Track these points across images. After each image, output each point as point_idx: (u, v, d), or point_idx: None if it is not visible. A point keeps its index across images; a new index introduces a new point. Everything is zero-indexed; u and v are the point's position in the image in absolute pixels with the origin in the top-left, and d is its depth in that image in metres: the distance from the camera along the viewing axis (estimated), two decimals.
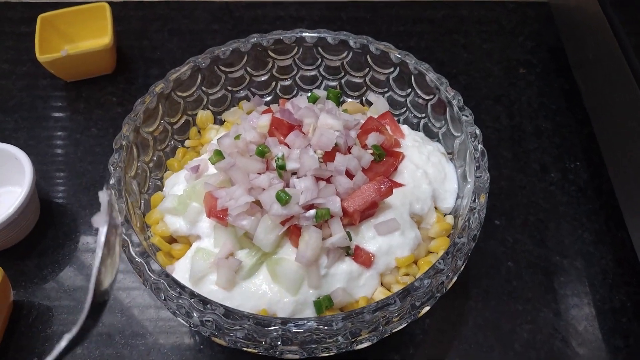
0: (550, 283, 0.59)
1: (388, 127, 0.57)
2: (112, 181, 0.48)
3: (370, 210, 0.48)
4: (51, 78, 0.79)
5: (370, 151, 0.51)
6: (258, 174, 0.48)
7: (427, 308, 0.45)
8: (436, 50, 0.83)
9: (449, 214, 0.54)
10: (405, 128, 0.59)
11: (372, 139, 0.52)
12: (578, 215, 0.65)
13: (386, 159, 0.52)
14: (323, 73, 0.64)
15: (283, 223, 0.46)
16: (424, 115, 0.60)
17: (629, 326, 0.56)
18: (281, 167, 0.47)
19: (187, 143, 0.61)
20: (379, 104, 0.61)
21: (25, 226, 0.62)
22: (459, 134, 0.54)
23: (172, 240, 0.52)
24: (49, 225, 0.64)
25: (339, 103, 0.59)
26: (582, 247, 0.62)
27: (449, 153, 0.57)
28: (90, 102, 0.77)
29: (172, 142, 0.60)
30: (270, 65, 0.63)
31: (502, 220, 0.64)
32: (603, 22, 0.67)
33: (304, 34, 0.60)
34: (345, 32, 0.60)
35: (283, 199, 0.44)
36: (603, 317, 0.57)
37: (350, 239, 0.47)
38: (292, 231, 0.46)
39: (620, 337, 0.56)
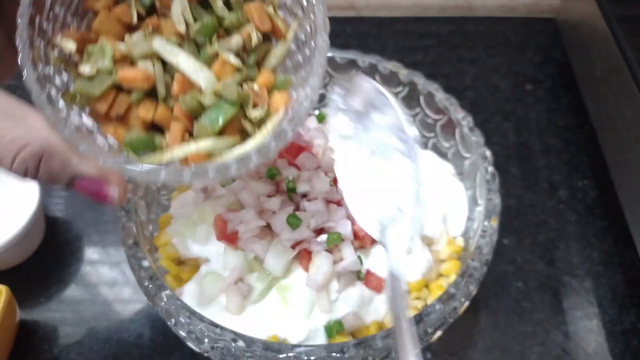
0: (559, 304, 0.59)
1: None
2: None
3: None
4: None
5: None
6: (268, 196, 0.48)
7: (440, 333, 0.44)
8: (442, 65, 0.83)
9: (459, 235, 0.54)
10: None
11: None
12: (587, 235, 0.64)
13: None
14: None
15: (293, 247, 0.45)
16: (433, 135, 0.59)
17: (639, 348, 0.56)
18: (292, 190, 0.47)
19: None
20: None
21: (30, 245, 0.62)
22: (469, 155, 0.54)
23: (180, 262, 0.52)
24: (54, 243, 0.64)
25: None
26: (592, 267, 0.62)
27: (458, 174, 0.57)
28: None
29: None
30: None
31: (511, 240, 0.64)
32: (609, 38, 0.67)
33: None
34: (354, 51, 0.60)
35: (294, 223, 0.44)
36: (613, 339, 0.57)
37: (362, 263, 0.47)
38: (302, 255, 0.46)
39: (631, 359, 0.55)
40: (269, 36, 0.38)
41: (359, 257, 0.47)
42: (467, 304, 0.45)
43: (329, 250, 0.46)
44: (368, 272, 0.47)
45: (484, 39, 0.87)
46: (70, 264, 0.62)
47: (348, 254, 0.46)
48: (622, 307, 0.59)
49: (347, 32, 0.88)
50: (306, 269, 0.46)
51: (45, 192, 0.67)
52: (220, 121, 0.32)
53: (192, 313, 0.42)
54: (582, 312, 0.58)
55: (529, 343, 0.56)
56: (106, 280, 0.61)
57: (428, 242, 0.52)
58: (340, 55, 0.59)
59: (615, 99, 0.65)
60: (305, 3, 0.36)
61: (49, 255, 0.63)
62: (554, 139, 0.74)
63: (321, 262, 0.45)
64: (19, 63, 0.32)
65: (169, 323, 0.43)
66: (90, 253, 0.64)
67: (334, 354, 0.40)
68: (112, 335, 0.57)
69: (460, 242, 0.53)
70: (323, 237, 0.45)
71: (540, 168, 0.70)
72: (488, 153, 0.51)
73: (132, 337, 0.56)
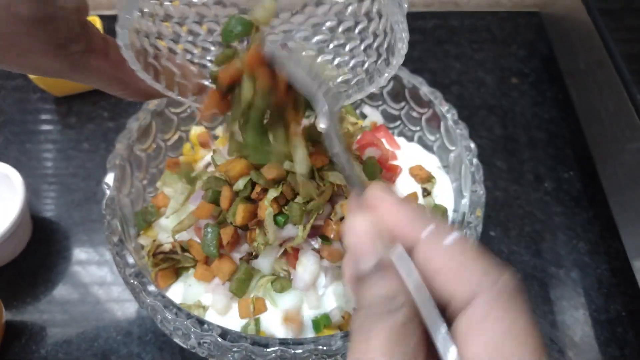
0: (546, 294, 0.59)
1: (384, 140, 0.57)
2: (105, 202, 0.48)
3: None
4: (41, 92, 0.78)
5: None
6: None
7: None
8: (428, 60, 0.83)
9: None
10: (401, 140, 0.59)
11: (369, 154, 0.52)
12: (573, 225, 0.65)
13: (384, 174, 0.52)
14: None
15: (281, 245, 0.46)
16: (418, 128, 0.60)
17: (625, 336, 0.57)
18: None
19: (180, 159, 0.60)
20: (374, 117, 0.62)
21: (17, 245, 0.61)
22: (454, 148, 0.54)
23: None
24: (41, 243, 0.64)
25: None
26: (578, 257, 0.62)
27: (444, 166, 0.57)
28: (81, 116, 0.76)
29: (166, 159, 0.59)
30: None
31: (498, 231, 0.64)
32: (592, 31, 0.67)
33: None
34: None
35: (280, 222, 0.44)
36: (599, 327, 0.57)
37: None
38: (290, 254, 0.46)
39: (617, 347, 0.56)
40: None
41: None
42: None
43: (316, 249, 0.46)
44: None
45: (469, 33, 0.87)
46: (57, 264, 0.62)
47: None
48: (608, 296, 0.59)
49: None
50: (293, 266, 0.46)
51: (31, 190, 0.67)
52: None
53: (179, 309, 0.42)
54: (568, 302, 0.59)
55: None
56: (94, 279, 0.61)
57: None
58: None
59: (600, 91, 0.66)
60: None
61: (36, 255, 0.63)
62: (540, 131, 0.74)
63: (308, 261, 0.45)
64: None
65: (155, 320, 0.43)
66: (78, 252, 0.63)
67: (321, 347, 0.40)
68: (101, 333, 0.56)
69: None
70: (317, 239, 0.45)
71: (526, 160, 0.71)
72: (472, 145, 0.52)
73: (121, 335, 0.56)
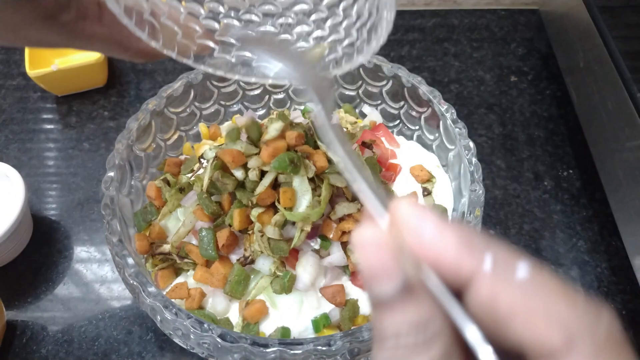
0: None
1: (383, 139, 0.57)
2: (105, 202, 0.48)
3: None
4: (42, 92, 0.78)
5: None
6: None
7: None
8: (427, 59, 0.83)
9: None
10: (400, 139, 0.60)
11: (368, 153, 0.52)
12: (572, 224, 0.65)
13: (383, 173, 0.52)
14: None
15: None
16: (417, 127, 0.60)
17: (625, 335, 0.57)
18: None
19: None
20: (373, 117, 0.62)
21: (18, 245, 0.61)
22: (453, 147, 0.54)
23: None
24: (42, 243, 0.64)
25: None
26: (577, 255, 0.63)
27: (443, 165, 0.57)
28: (81, 116, 0.76)
29: (165, 159, 0.59)
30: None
31: (497, 230, 0.64)
32: (592, 29, 0.67)
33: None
34: None
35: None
36: None
37: (348, 257, 0.47)
38: (290, 255, 0.46)
39: None
40: None
41: (346, 252, 0.47)
42: None
43: (316, 250, 0.46)
44: (355, 269, 0.47)
45: (468, 31, 0.87)
46: (58, 263, 0.62)
47: (335, 249, 0.46)
48: (608, 294, 0.60)
49: None
50: (293, 267, 0.46)
51: (31, 190, 0.67)
52: None
53: (179, 310, 0.42)
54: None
55: None
56: (95, 278, 0.61)
57: None
58: None
59: (599, 89, 0.66)
60: None
61: (37, 254, 0.63)
62: (539, 130, 0.74)
63: (307, 262, 0.45)
64: None
65: (155, 320, 0.44)
66: (79, 252, 0.64)
67: (320, 347, 0.40)
68: (101, 333, 0.57)
69: None
70: (317, 240, 0.46)
71: (525, 159, 0.71)
72: (471, 144, 0.52)
73: (121, 335, 0.57)
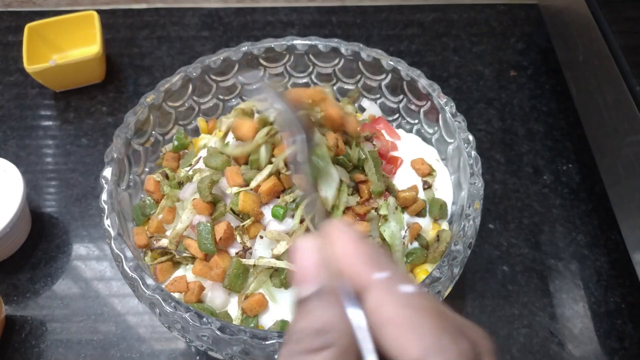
0: (545, 286, 0.59)
1: (384, 131, 0.57)
2: (103, 195, 0.48)
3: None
4: (40, 87, 0.78)
5: None
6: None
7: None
8: (427, 54, 0.83)
9: (445, 220, 0.54)
10: (400, 131, 0.59)
11: (369, 146, 0.52)
12: (572, 218, 0.65)
13: (384, 166, 0.52)
14: (315, 80, 0.64)
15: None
16: (417, 121, 0.60)
17: (624, 328, 0.57)
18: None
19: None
20: (372, 111, 0.61)
21: (17, 240, 0.61)
22: (452, 140, 0.54)
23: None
24: (41, 238, 0.64)
25: None
26: (577, 249, 0.62)
27: (442, 159, 0.57)
28: (80, 111, 0.76)
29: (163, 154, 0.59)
30: (261, 73, 0.62)
31: (496, 224, 0.64)
32: (591, 23, 0.67)
33: (295, 42, 0.60)
34: (336, 40, 0.60)
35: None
36: (598, 320, 0.57)
37: None
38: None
39: (616, 339, 0.56)
40: None
41: None
42: (451, 287, 0.45)
43: None
44: None
45: (467, 26, 0.87)
46: (57, 259, 0.62)
47: None
48: (607, 288, 0.60)
49: (332, 22, 0.88)
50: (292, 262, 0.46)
51: (30, 185, 0.67)
52: None
53: (178, 303, 0.42)
54: (567, 294, 0.59)
55: (516, 326, 0.57)
56: (93, 274, 0.61)
57: (415, 227, 0.52)
58: (323, 44, 0.59)
59: (599, 83, 0.66)
60: None
61: (35, 250, 0.63)
62: (538, 124, 0.74)
63: None
64: None
65: (154, 313, 0.43)
66: (77, 247, 0.63)
67: None
68: (100, 328, 0.57)
69: (445, 226, 0.53)
70: None
71: (525, 153, 0.71)
72: (471, 137, 0.51)
73: (120, 329, 0.56)
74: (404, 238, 0.49)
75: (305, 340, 0.21)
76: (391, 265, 0.22)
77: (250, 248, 0.46)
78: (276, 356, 0.40)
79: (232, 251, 0.47)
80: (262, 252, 0.46)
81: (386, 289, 0.21)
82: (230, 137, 0.52)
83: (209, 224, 0.46)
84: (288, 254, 0.44)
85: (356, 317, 0.21)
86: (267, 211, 0.46)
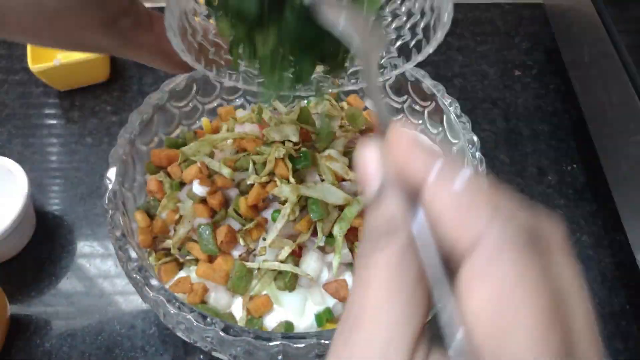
0: None
1: None
2: (108, 196, 0.48)
3: None
4: (44, 87, 0.78)
5: None
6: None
7: (428, 319, 0.44)
8: (431, 53, 0.83)
9: None
10: None
11: None
12: (576, 218, 0.65)
13: None
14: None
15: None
16: (420, 122, 0.60)
17: (629, 329, 0.57)
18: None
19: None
20: None
21: (21, 239, 0.61)
22: (457, 141, 0.54)
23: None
24: (45, 237, 0.64)
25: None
26: (581, 250, 0.62)
27: None
28: (84, 110, 0.76)
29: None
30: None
31: None
32: (597, 23, 0.67)
33: None
34: None
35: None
36: (603, 321, 0.57)
37: (353, 255, 0.47)
38: (292, 251, 0.46)
39: (620, 340, 0.56)
40: None
41: (351, 249, 0.47)
42: None
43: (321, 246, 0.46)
44: None
45: (472, 26, 0.87)
46: (61, 258, 0.62)
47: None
48: (612, 289, 0.59)
49: None
50: (297, 264, 0.46)
51: (34, 185, 0.67)
52: None
53: (182, 304, 0.42)
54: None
55: None
56: (98, 273, 0.61)
57: None
58: None
59: (604, 83, 0.65)
60: None
61: (40, 249, 0.63)
62: (543, 124, 0.74)
63: (311, 258, 0.45)
64: None
65: (158, 314, 0.44)
66: (82, 246, 0.64)
67: (324, 341, 0.40)
68: (105, 327, 0.57)
69: None
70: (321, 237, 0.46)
71: (529, 153, 0.71)
72: (475, 138, 0.51)
73: (124, 329, 0.57)
74: None
75: (377, 228, 0.21)
76: (447, 159, 0.21)
77: (254, 250, 0.46)
78: (280, 357, 0.41)
79: (236, 253, 0.47)
80: (266, 255, 0.46)
81: (439, 180, 0.20)
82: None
83: (209, 226, 0.46)
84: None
85: (415, 215, 0.21)
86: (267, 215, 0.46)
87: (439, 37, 0.37)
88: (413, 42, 0.38)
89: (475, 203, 0.19)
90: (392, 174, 0.22)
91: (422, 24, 0.37)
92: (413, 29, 0.37)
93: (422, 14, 0.37)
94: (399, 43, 0.39)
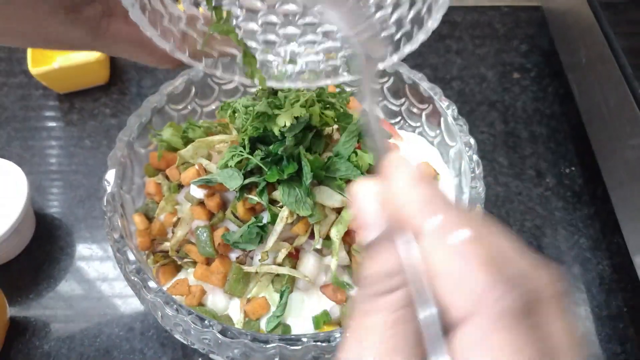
0: None
1: None
2: (106, 198, 0.48)
3: None
4: (44, 89, 0.79)
5: None
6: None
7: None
8: (429, 56, 0.83)
9: None
10: (403, 132, 0.59)
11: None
12: (574, 221, 0.65)
13: None
14: None
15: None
16: (418, 124, 0.60)
17: (626, 332, 0.57)
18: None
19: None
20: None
21: (21, 241, 0.62)
22: (454, 144, 0.54)
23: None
24: (45, 240, 0.64)
25: None
26: (579, 253, 0.62)
27: (445, 162, 0.57)
28: (83, 113, 0.77)
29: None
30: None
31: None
32: (594, 25, 0.67)
33: None
34: None
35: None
36: (600, 324, 0.57)
37: (351, 257, 0.47)
38: (290, 254, 0.46)
39: (618, 343, 0.56)
40: None
41: (349, 253, 0.47)
42: None
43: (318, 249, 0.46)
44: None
45: (471, 28, 0.87)
46: (60, 260, 0.63)
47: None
48: (610, 292, 0.59)
49: None
50: (294, 267, 0.46)
51: (34, 187, 0.68)
52: None
53: (180, 306, 0.42)
54: (569, 298, 0.59)
55: None
56: (97, 275, 0.62)
57: None
58: None
59: (601, 86, 0.65)
60: None
61: (39, 251, 0.63)
62: (541, 127, 0.74)
63: (308, 261, 0.45)
64: None
65: (156, 316, 0.44)
66: (81, 249, 0.64)
67: (320, 343, 0.40)
68: (103, 329, 0.57)
69: None
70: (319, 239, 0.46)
71: (527, 156, 0.71)
72: (472, 141, 0.52)
73: (123, 331, 0.57)
74: None
75: (375, 283, 0.21)
76: (447, 208, 0.21)
77: (252, 251, 0.46)
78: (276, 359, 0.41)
79: (233, 256, 0.47)
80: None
81: (437, 236, 0.20)
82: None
83: (207, 229, 0.46)
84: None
85: (413, 264, 0.21)
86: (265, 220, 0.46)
87: (438, 16, 0.35)
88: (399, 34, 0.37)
89: (471, 269, 0.19)
90: (388, 215, 0.22)
91: (411, 14, 0.36)
92: (399, 21, 0.36)
93: (412, 2, 0.36)
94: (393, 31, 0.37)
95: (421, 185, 0.21)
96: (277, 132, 0.43)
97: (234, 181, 0.44)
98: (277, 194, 0.45)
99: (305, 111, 0.43)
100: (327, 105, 0.47)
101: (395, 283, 0.20)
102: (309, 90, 0.45)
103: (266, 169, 0.44)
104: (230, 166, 0.45)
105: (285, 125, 0.42)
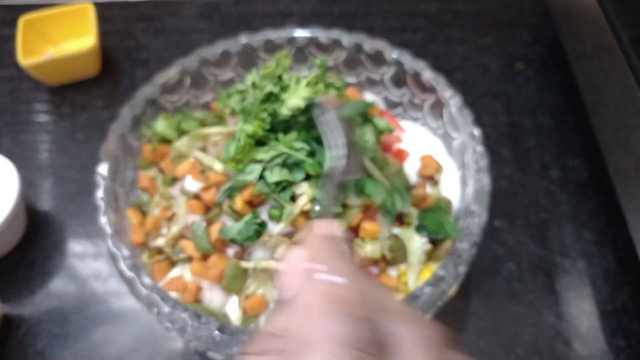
0: (551, 284, 0.58)
1: None
2: (99, 192, 0.46)
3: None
4: (35, 83, 0.77)
5: None
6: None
7: (429, 317, 0.43)
8: (431, 45, 0.81)
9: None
10: (405, 123, 0.58)
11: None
12: (579, 214, 0.64)
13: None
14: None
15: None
16: (421, 115, 0.58)
17: (631, 326, 0.56)
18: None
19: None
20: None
21: (13, 237, 0.60)
22: (458, 135, 0.53)
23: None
24: (37, 235, 0.63)
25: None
26: (584, 246, 0.61)
27: (448, 154, 0.56)
28: (75, 106, 0.75)
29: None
30: (260, 65, 0.61)
31: (503, 221, 0.63)
32: (599, 15, 0.65)
33: (295, 34, 0.58)
34: (338, 31, 0.58)
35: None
36: (605, 318, 0.56)
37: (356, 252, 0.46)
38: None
39: (622, 337, 0.55)
40: None
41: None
42: (456, 286, 0.44)
43: None
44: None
45: (473, 18, 0.85)
46: (53, 256, 0.61)
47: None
48: (615, 286, 0.58)
49: (334, 13, 0.86)
50: None
51: (25, 181, 0.66)
52: None
53: (176, 302, 0.41)
54: (574, 292, 0.58)
55: (521, 325, 0.55)
56: (90, 272, 0.60)
57: None
58: (324, 35, 0.58)
59: (606, 76, 0.64)
60: None
61: (31, 248, 0.61)
62: (545, 118, 0.73)
63: None
64: None
65: (151, 313, 0.42)
66: (74, 245, 0.62)
67: None
68: (97, 327, 0.56)
69: None
70: None
71: (531, 148, 0.69)
72: (477, 132, 0.50)
73: (117, 329, 0.55)
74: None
75: (263, 341, 0.23)
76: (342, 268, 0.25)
77: (250, 247, 0.45)
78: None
79: (230, 252, 0.46)
80: (262, 254, 0.45)
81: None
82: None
83: (203, 223, 0.45)
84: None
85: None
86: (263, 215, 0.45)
87: None
88: None
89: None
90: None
91: None
92: None
93: None
94: None
95: (327, 246, 0.27)
96: (285, 114, 0.43)
97: (272, 175, 0.43)
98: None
99: (312, 91, 0.43)
100: (328, 85, 0.45)
101: (275, 346, 0.23)
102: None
103: (310, 161, 0.43)
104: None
105: (298, 108, 0.42)
